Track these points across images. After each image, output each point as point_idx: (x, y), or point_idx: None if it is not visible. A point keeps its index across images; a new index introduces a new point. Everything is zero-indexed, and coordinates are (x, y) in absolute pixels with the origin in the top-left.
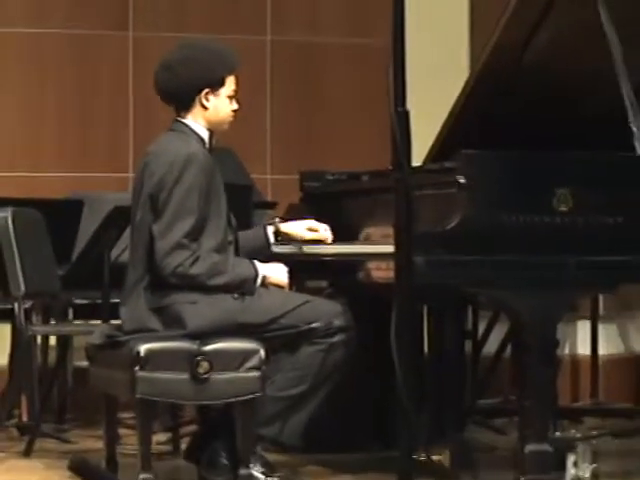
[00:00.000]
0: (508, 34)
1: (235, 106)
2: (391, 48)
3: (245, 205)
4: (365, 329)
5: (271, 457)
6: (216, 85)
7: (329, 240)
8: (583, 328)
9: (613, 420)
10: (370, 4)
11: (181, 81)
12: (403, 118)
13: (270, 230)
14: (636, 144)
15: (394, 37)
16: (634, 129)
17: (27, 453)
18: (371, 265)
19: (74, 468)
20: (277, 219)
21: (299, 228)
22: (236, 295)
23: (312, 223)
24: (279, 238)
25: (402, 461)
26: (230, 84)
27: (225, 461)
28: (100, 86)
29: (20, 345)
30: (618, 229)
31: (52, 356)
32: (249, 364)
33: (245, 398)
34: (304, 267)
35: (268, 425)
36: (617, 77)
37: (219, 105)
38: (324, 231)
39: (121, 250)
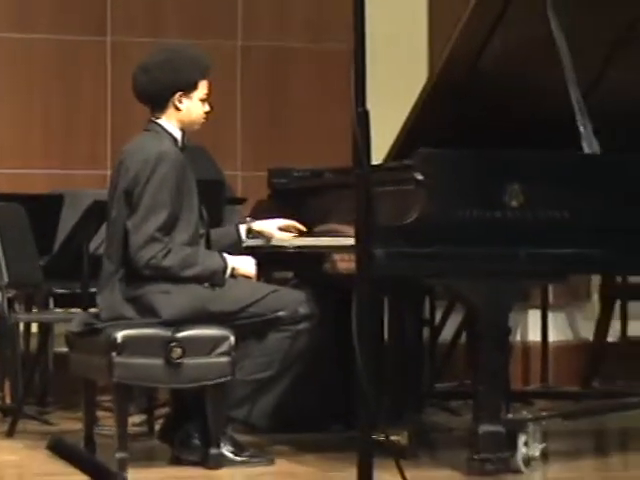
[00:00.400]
0: (464, 41)
1: (207, 108)
2: (352, 52)
3: (216, 200)
4: (330, 317)
5: (240, 437)
6: (190, 89)
7: (297, 233)
8: (534, 316)
9: (562, 402)
10: (334, 11)
11: (157, 84)
12: (363, 118)
13: (243, 228)
14: (583, 144)
15: (355, 41)
16: (581, 130)
17: (10, 434)
18: (336, 257)
19: (52, 448)
20: (249, 218)
21: (271, 226)
22: (206, 285)
23: (283, 222)
24: (250, 236)
25: (361, 441)
26: (203, 88)
27: (197, 441)
28: (81, 89)
29: (3, 332)
30: (566, 223)
31: (34, 342)
32: (219, 350)
33: (216, 382)
34: (271, 259)
35: (238, 407)
36: (566, 82)
37: (192, 107)
38: (296, 227)
39: (99, 242)
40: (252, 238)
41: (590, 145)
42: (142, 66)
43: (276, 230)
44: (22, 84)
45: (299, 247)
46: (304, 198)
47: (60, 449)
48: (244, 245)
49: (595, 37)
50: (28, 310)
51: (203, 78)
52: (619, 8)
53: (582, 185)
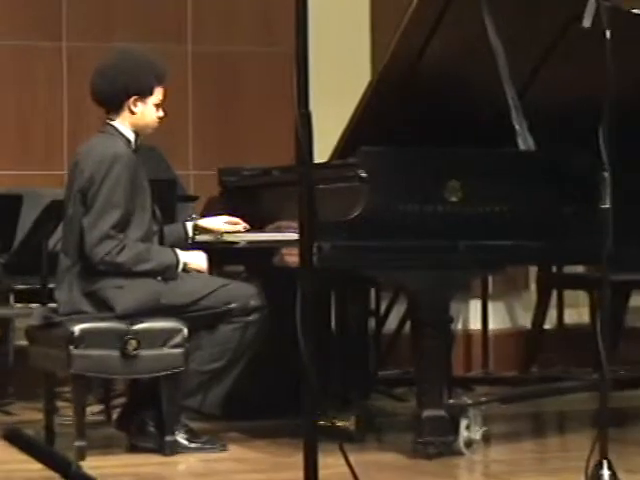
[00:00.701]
0: (405, 43)
1: (161, 114)
2: (295, 55)
3: (169, 199)
4: (279, 308)
5: (194, 425)
6: (145, 94)
7: (245, 229)
8: (474, 306)
9: (501, 387)
10: (280, 15)
11: (113, 87)
12: (306, 119)
13: (189, 225)
14: (519, 141)
15: (297, 45)
16: (517, 127)
17: None
18: (283, 251)
19: (7, 437)
20: (194, 215)
21: (217, 222)
22: (160, 279)
23: (228, 217)
24: (197, 232)
25: (306, 427)
26: (158, 94)
27: (152, 429)
28: (37, 92)
29: None
30: (504, 217)
31: None
32: (173, 342)
33: (170, 372)
34: (222, 253)
35: (191, 396)
36: (502, 82)
37: (146, 112)
38: (241, 223)
39: (57, 240)
40: (199, 234)
41: (525, 142)
42: (100, 68)
43: (222, 225)
44: None
45: (249, 242)
46: (253, 195)
47: (15, 439)
48: (196, 240)
49: (529, 38)
50: None
51: (159, 84)
52: (552, 11)
53: (518, 180)
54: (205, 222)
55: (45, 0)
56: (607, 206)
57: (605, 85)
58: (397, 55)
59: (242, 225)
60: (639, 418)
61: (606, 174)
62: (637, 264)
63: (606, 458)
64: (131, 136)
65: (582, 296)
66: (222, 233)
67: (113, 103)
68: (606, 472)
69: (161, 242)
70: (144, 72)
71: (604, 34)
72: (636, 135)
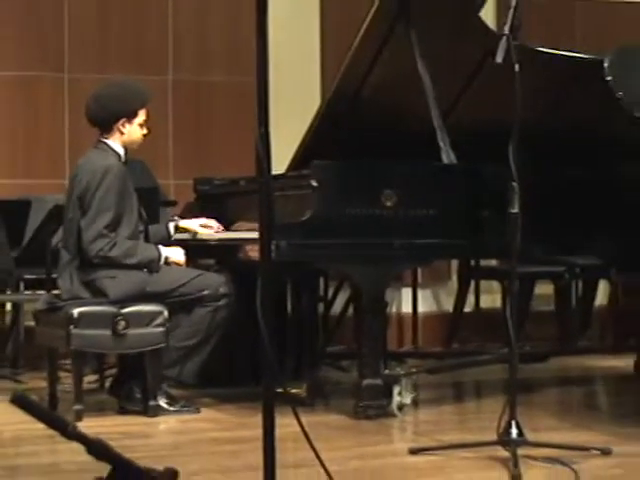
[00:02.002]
0: (349, 74)
1: (145, 132)
2: (256, 84)
3: (153, 203)
4: (244, 294)
5: (173, 391)
6: (131, 116)
7: (217, 230)
8: (406, 293)
9: (428, 360)
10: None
11: (105, 111)
12: (265, 137)
13: (171, 225)
14: (443, 156)
15: (258, 75)
16: (441, 145)
17: None
18: (248, 247)
19: (14, 402)
20: (177, 217)
21: (194, 224)
22: (145, 271)
23: (204, 220)
24: (177, 232)
25: (264, 393)
26: (142, 115)
27: (139, 395)
28: (43, 115)
29: None
30: (430, 219)
31: (8, 318)
32: (156, 322)
33: (153, 348)
34: (197, 249)
35: (171, 368)
36: (429, 107)
37: (132, 131)
38: (215, 225)
39: (59, 238)
40: (179, 233)
41: (448, 157)
42: (94, 96)
43: (198, 227)
44: None
45: (219, 240)
46: (223, 201)
47: (22, 403)
48: (175, 238)
49: (452, 71)
50: (2, 292)
51: (142, 107)
52: (471, 48)
53: (442, 189)
54: (184, 223)
55: (49, 37)
56: (515, 211)
57: (514, 109)
58: (342, 84)
59: (216, 226)
60: (542, 386)
61: (514, 184)
62: (540, 259)
63: (514, 419)
64: (121, 151)
65: (495, 285)
66: (197, 232)
67: (105, 125)
68: (514, 430)
69: (146, 239)
70: (129, 98)
71: (513, 67)
72: (539, 151)
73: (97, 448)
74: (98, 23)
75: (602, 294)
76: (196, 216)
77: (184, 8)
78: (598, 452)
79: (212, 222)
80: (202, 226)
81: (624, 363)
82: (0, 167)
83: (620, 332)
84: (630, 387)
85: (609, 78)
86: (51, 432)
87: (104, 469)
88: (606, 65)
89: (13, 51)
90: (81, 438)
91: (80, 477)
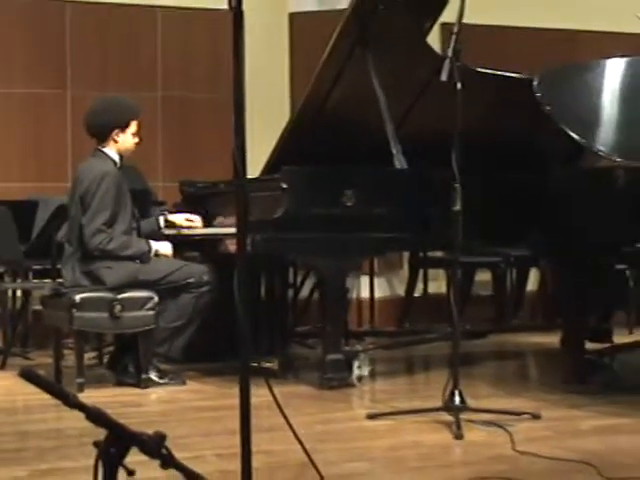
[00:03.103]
0: (314, 90)
1: (137, 140)
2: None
3: (144, 203)
4: (224, 282)
5: (163, 366)
6: (124, 127)
7: (200, 226)
8: (364, 280)
9: (383, 338)
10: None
11: (101, 123)
12: (240, 146)
13: (161, 219)
14: (395, 161)
15: (235, 92)
16: (394, 152)
17: (2, 367)
18: (227, 241)
19: (23, 376)
20: (165, 212)
21: (180, 218)
22: (138, 262)
23: (189, 215)
24: (166, 224)
25: (242, 367)
26: (134, 126)
27: (132, 369)
28: (49, 127)
29: None
30: (385, 216)
31: (18, 303)
32: (147, 306)
33: (145, 328)
34: (183, 243)
35: (160, 345)
36: (383, 120)
37: (126, 140)
38: (197, 220)
39: (63, 233)
40: (167, 226)
41: (399, 162)
42: (91, 110)
43: (183, 221)
44: (3, 125)
45: (202, 235)
46: (205, 201)
47: (30, 377)
48: (163, 233)
49: (403, 88)
50: (14, 281)
51: (134, 119)
52: (419, 68)
53: (394, 190)
54: (172, 217)
55: (54, 60)
56: (458, 208)
57: (457, 122)
58: (309, 100)
59: (198, 221)
60: (481, 360)
61: (456, 185)
62: (479, 250)
63: (457, 388)
64: (116, 158)
65: (441, 273)
66: (182, 225)
67: (101, 135)
68: (457, 398)
69: (139, 234)
70: (122, 112)
71: (455, 85)
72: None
73: (95, 415)
74: (96, 47)
75: (532, 280)
76: (182, 211)
77: (171, 35)
78: (529, 416)
79: (195, 217)
80: (187, 220)
81: (551, 339)
82: (11, 172)
83: (548, 313)
84: (556, 360)
85: (538, 94)
86: (56, 402)
87: (101, 433)
88: (535, 83)
89: (23, 72)
90: (81, 406)
91: (80, 440)
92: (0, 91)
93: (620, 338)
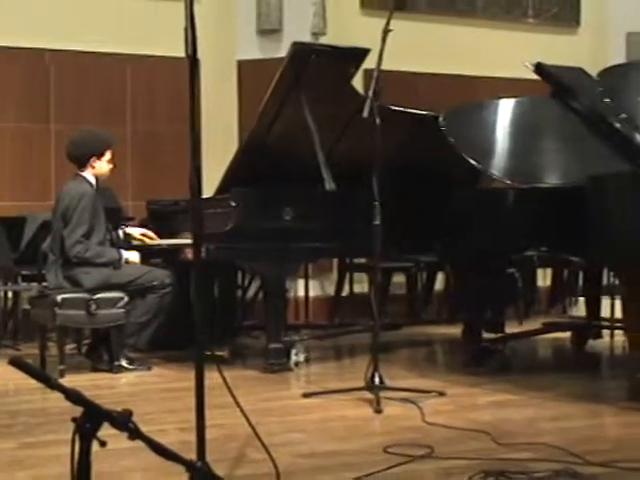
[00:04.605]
0: (259, 124)
1: (111, 166)
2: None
3: (117, 219)
4: (183, 283)
5: (132, 355)
6: (100, 155)
7: (154, 238)
8: (301, 282)
9: (317, 330)
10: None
11: (80, 152)
12: (196, 172)
13: (121, 232)
14: (325, 184)
15: (191, 125)
16: (324, 176)
17: None
18: (186, 250)
19: (12, 363)
20: (123, 225)
21: (136, 232)
22: (111, 268)
23: (144, 230)
24: (125, 236)
25: (198, 355)
26: (108, 154)
27: (106, 358)
28: (35, 155)
29: None
30: (317, 230)
31: (9, 303)
32: (119, 305)
33: (117, 324)
34: (148, 252)
35: (130, 337)
36: (316, 149)
37: (101, 166)
38: (151, 234)
39: (47, 244)
40: (125, 237)
41: (329, 185)
42: (72, 141)
43: (138, 234)
44: None
45: (166, 245)
46: (168, 217)
47: (19, 364)
48: (132, 244)
49: (332, 122)
50: (5, 284)
51: (109, 149)
52: (345, 106)
53: (325, 207)
54: (129, 230)
55: (39, 97)
56: (377, 223)
57: (376, 151)
58: (254, 132)
59: (152, 234)
60: (397, 347)
61: (376, 203)
62: (395, 257)
63: (377, 371)
64: (93, 181)
65: (364, 276)
66: (136, 237)
67: (80, 162)
68: (377, 379)
69: (111, 245)
70: (98, 142)
71: (375, 120)
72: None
73: (74, 396)
74: (76, 89)
75: (439, 282)
76: (144, 226)
77: (139, 78)
78: (436, 394)
79: (149, 232)
80: (142, 234)
81: (454, 330)
82: (3, 193)
83: (452, 308)
84: (458, 348)
85: (443, 128)
86: (41, 385)
87: (79, 411)
88: (441, 119)
89: (14, 110)
90: (62, 389)
91: (62, 417)
92: None
93: (511, 329)
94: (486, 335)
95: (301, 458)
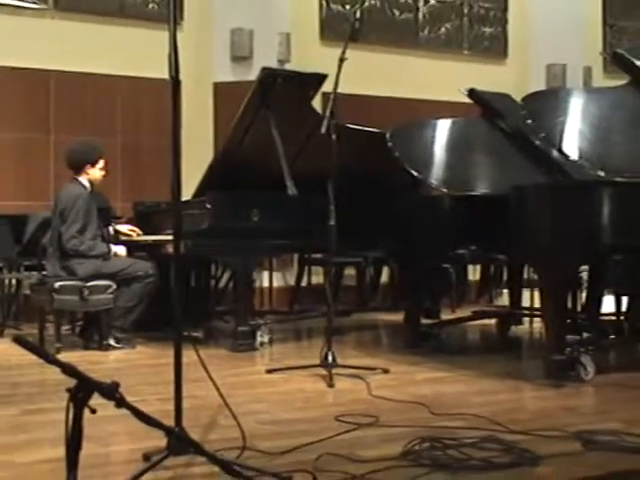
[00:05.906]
0: (232, 137)
1: (103, 173)
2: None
3: (107, 217)
4: (164, 273)
5: (119, 335)
6: (94, 163)
7: (140, 234)
8: (266, 274)
9: (279, 315)
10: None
11: (76, 160)
12: (175, 176)
13: (111, 228)
14: (288, 190)
15: (173, 138)
16: (287, 183)
17: (1, 335)
18: (167, 245)
19: (16, 341)
20: (113, 223)
21: (124, 228)
22: (102, 259)
23: (131, 227)
24: (115, 232)
25: (176, 336)
26: (101, 163)
27: (97, 337)
28: (35, 163)
29: None
30: (280, 229)
31: (13, 289)
32: (108, 291)
33: (107, 307)
34: (134, 246)
35: (117, 320)
36: (280, 159)
37: (95, 173)
38: (137, 230)
39: (47, 239)
40: (115, 233)
41: (291, 190)
42: (69, 149)
43: (126, 230)
44: (2, 161)
45: (150, 240)
46: (152, 216)
47: (21, 342)
48: (120, 240)
49: (294, 137)
50: (9, 272)
51: (101, 158)
52: (306, 123)
53: (287, 210)
54: (119, 227)
55: (40, 111)
56: (332, 223)
57: (332, 162)
58: (227, 144)
59: (137, 230)
60: (348, 331)
61: (331, 206)
62: (347, 253)
63: (330, 350)
64: (87, 185)
65: (320, 269)
66: (124, 233)
67: (76, 168)
68: (330, 358)
69: (103, 240)
70: (92, 151)
71: (331, 136)
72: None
73: (68, 370)
74: (73, 105)
75: (385, 275)
76: (131, 224)
77: (128, 96)
78: (381, 371)
79: (135, 228)
80: (129, 229)
81: (397, 317)
82: (9, 193)
83: (395, 298)
84: (401, 331)
85: (390, 143)
86: (40, 360)
87: (73, 383)
88: (388, 136)
89: (17, 120)
90: (58, 363)
91: (58, 388)
92: (1, 136)
93: (445, 316)
94: (424, 321)
95: (264, 425)
